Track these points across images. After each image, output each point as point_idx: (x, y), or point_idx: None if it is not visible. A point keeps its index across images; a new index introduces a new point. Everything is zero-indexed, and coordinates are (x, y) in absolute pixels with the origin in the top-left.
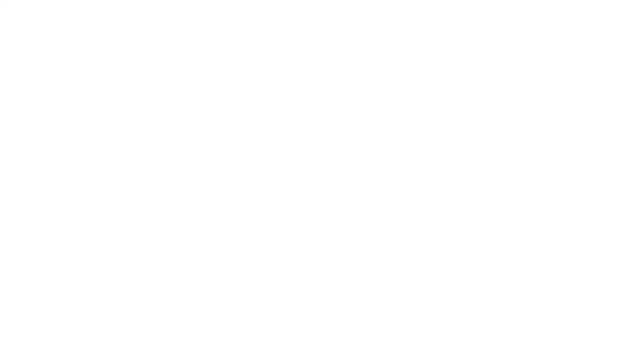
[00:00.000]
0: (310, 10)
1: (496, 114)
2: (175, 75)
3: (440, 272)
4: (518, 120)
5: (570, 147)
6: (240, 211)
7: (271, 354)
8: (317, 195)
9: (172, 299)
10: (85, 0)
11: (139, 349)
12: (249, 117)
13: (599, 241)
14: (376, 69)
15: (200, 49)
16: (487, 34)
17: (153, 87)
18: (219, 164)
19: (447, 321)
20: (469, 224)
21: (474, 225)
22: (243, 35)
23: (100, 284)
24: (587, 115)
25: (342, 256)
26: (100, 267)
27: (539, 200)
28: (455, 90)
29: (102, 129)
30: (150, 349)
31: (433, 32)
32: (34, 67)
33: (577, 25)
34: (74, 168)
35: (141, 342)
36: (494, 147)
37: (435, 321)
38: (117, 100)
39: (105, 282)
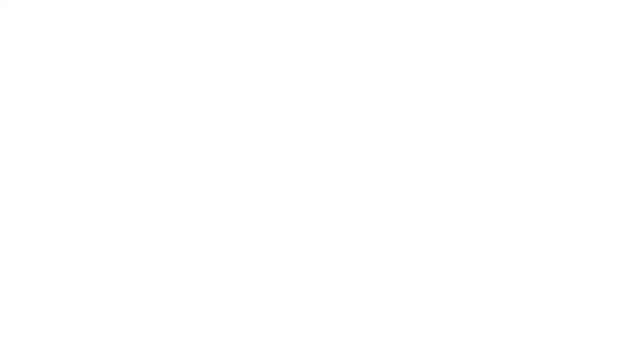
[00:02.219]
0: (310, 10)
1: (496, 114)
2: (176, 75)
3: (440, 272)
4: (518, 120)
5: (570, 147)
6: (241, 211)
7: (271, 354)
8: (317, 195)
9: (172, 299)
10: (85, 0)
11: (139, 349)
12: (249, 117)
13: (599, 241)
14: (376, 69)
15: (200, 49)
16: (487, 34)
17: (153, 87)
18: (219, 164)
19: (447, 321)
20: (469, 224)
21: (474, 226)
22: (243, 35)
23: (100, 284)
24: (587, 115)
25: (342, 256)
26: (100, 267)
27: (539, 200)
28: (455, 90)
29: (102, 128)
30: (150, 349)
31: (433, 32)
32: (34, 67)
33: (577, 25)
34: (74, 168)
35: (141, 342)
36: (494, 147)
37: (435, 321)
38: (117, 100)
39: (105, 282)
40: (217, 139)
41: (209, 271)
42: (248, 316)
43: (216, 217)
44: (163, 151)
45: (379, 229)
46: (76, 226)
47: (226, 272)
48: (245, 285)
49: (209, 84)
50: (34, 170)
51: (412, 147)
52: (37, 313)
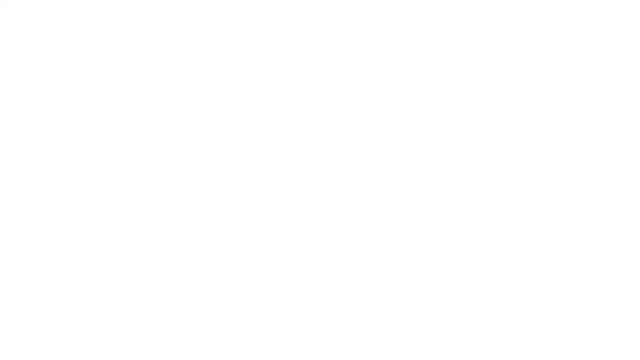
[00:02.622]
0: (310, 10)
1: (496, 114)
2: (176, 75)
3: (440, 272)
4: (518, 121)
5: (570, 147)
6: (240, 211)
7: (271, 354)
8: (317, 195)
9: (172, 299)
10: (85, 0)
11: (139, 349)
12: (249, 117)
13: (599, 241)
14: (376, 69)
15: (200, 49)
16: (487, 34)
17: (153, 87)
18: (219, 164)
19: (447, 321)
20: (469, 224)
21: (474, 226)
22: (243, 35)
23: (100, 284)
24: (587, 115)
25: (342, 256)
26: (100, 267)
27: (539, 200)
28: (455, 90)
29: (102, 128)
30: (150, 349)
31: (433, 32)
32: (34, 67)
33: (577, 25)
34: (74, 168)
35: (141, 342)
36: (494, 147)
37: (435, 321)
38: (117, 100)
39: (105, 282)
40: (217, 139)
41: (209, 271)
42: (248, 316)
43: (216, 217)
44: (163, 151)
45: (379, 229)
46: (76, 226)
47: (226, 272)
48: (245, 285)
49: (209, 84)
50: (34, 170)
51: (412, 147)
52: (37, 313)
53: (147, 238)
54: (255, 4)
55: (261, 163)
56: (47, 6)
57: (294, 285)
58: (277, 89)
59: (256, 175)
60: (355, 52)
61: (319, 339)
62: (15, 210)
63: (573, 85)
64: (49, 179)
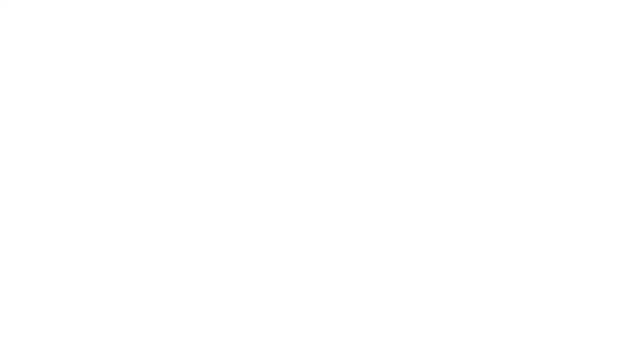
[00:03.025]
0: (310, 10)
1: (496, 114)
2: (176, 75)
3: (440, 272)
4: (518, 121)
5: (570, 147)
6: (240, 211)
7: (271, 354)
8: (317, 195)
9: (172, 299)
10: (85, 0)
11: (139, 349)
12: (249, 117)
13: (599, 241)
14: (376, 69)
15: (200, 49)
16: (487, 34)
17: (153, 87)
18: (219, 164)
19: (447, 321)
20: (469, 224)
21: (474, 226)
22: (243, 35)
23: (101, 284)
24: (587, 115)
25: (342, 256)
26: (101, 267)
27: (539, 200)
28: (455, 90)
29: (102, 129)
30: (150, 349)
31: (433, 32)
32: (34, 67)
33: (577, 25)
34: (74, 168)
35: (141, 342)
36: (494, 147)
37: (435, 321)
38: (117, 100)
39: (105, 282)
40: (217, 139)
41: (209, 271)
42: (248, 316)
43: (216, 217)
44: (163, 151)
45: (379, 229)
46: (76, 226)
47: (226, 272)
48: (245, 285)
49: (209, 84)
50: (34, 170)
51: (412, 147)
52: (37, 313)
53: (147, 237)
54: (256, 4)
55: (261, 163)
56: (47, 6)
57: (294, 285)
58: (277, 89)
59: (256, 175)
60: (355, 52)
61: (319, 339)
62: (16, 210)
63: (573, 85)
64: (49, 178)
